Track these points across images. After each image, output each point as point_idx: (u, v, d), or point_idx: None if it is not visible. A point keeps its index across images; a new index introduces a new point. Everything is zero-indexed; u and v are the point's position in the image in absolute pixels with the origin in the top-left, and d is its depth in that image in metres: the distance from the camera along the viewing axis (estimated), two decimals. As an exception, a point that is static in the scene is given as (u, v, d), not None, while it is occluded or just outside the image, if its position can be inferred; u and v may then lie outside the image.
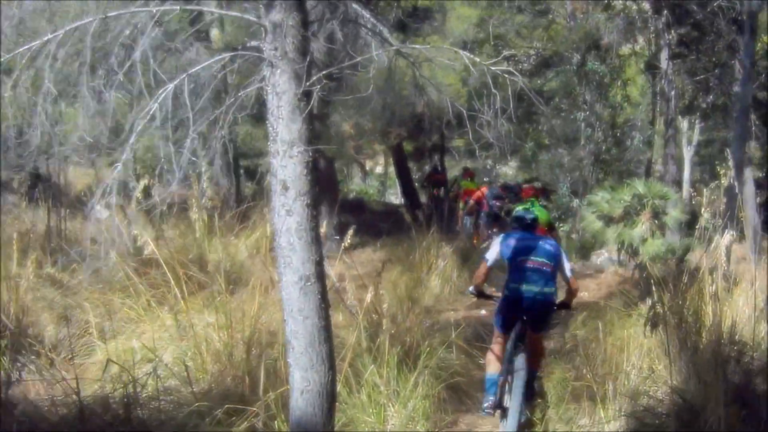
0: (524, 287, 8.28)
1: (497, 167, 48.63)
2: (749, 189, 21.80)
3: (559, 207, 20.65)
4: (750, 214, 21.53)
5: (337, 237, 16.99)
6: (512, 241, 8.65)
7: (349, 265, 12.80)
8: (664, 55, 21.11)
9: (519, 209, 9.72)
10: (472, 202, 21.77)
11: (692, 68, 21.62)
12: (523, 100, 28.54)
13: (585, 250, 19.18)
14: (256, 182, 31.94)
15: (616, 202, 17.75)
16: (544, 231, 14.16)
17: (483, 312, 13.93)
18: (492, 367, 8.46)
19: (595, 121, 22.67)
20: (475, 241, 19.46)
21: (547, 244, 8.66)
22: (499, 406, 8.15)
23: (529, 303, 8.27)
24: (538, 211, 12.18)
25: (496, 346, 8.64)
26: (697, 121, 25.76)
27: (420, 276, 15.14)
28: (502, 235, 9.26)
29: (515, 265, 8.44)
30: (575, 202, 22.86)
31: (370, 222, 22.80)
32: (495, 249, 8.77)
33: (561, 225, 22.08)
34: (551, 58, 27.42)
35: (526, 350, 8.31)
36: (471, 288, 9.20)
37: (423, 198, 32.40)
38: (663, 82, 21.12)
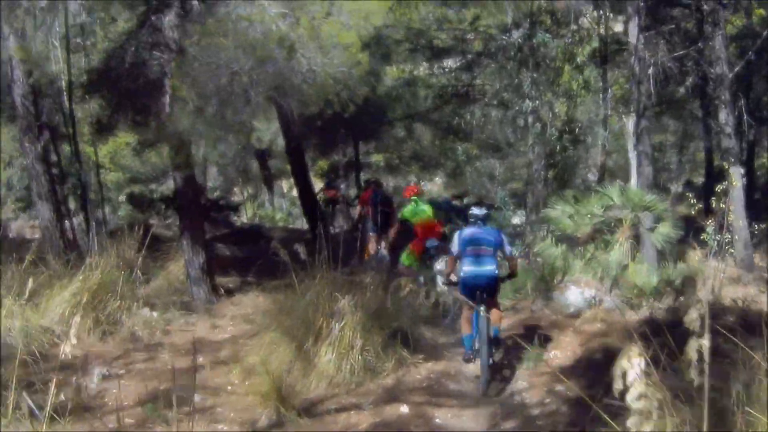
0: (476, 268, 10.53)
1: (422, 183, 44.00)
2: (738, 193, 17.11)
3: (501, 226, 15.41)
4: (739, 225, 17.02)
5: (205, 282, 14.51)
6: (464, 234, 10.79)
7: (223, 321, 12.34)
8: (632, 25, 16.05)
9: (473, 209, 11.36)
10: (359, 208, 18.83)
11: (668, 43, 16.57)
12: (448, 100, 21.76)
13: (544, 283, 13.94)
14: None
15: (582, 217, 13.94)
16: (434, 226, 14.89)
17: (404, 408, 9.23)
18: (465, 328, 10.65)
19: (547, 114, 17.12)
20: (366, 256, 16.01)
21: (489, 234, 10.82)
22: (475, 355, 10.49)
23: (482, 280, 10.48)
24: (425, 207, 14.97)
25: (463, 312, 10.76)
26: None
27: (305, 347, 9.94)
28: (458, 231, 11.10)
29: (466, 252, 10.64)
30: (521, 218, 17.55)
31: (265, 255, 17.33)
32: (456, 241, 10.85)
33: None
34: (486, 36, 22.09)
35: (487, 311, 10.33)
36: (442, 279, 12.28)
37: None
38: (632, 60, 15.96)
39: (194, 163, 14.47)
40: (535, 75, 16.70)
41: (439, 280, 13.45)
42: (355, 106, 14.79)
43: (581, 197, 14.37)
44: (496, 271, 10.62)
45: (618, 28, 22.45)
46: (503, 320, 11.47)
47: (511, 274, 11.38)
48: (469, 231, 10.79)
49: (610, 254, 13.23)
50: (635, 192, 13.80)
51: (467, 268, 10.51)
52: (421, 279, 14.29)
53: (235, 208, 32.37)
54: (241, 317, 13.02)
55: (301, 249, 11.24)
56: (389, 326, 10.68)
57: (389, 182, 41.78)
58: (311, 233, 20.09)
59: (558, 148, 16.88)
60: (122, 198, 32.35)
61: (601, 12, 20.00)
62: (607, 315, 12.20)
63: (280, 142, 29.73)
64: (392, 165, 37.61)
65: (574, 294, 13.76)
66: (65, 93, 18.20)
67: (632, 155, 19.18)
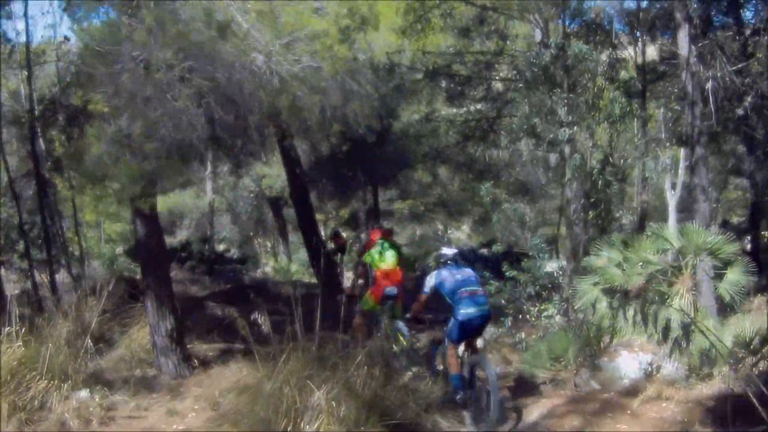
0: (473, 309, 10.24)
1: (448, 231, 43.57)
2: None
3: (535, 279, 12.77)
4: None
5: (174, 351, 12.01)
6: (445, 276, 10.50)
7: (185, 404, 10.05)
8: (682, 35, 13.42)
9: (443, 249, 11.26)
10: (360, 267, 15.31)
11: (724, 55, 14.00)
12: (472, 135, 18.68)
13: (589, 348, 11.26)
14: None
15: (633, 265, 11.39)
16: (396, 273, 13.22)
17: None
18: (454, 366, 10.27)
19: (586, 143, 14.27)
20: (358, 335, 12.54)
21: (470, 274, 10.66)
22: (471, 396, 10.21)
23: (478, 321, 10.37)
24: (391, 252, 13.35)
25: (453, 352, 10.40)
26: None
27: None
28: (435, 272, 10.65)
29: (458, 294, 10.30)
30: (559, 266, 14.84)
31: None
32: (430, 282, 10.46)
33: (542, 306, 13.86)
34: (512, 58, 19.58)
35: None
36: (408, 315, 11.35)
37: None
38: (684, 76, 13.30)
39: (155, 205, 11.68)
40: (571, 96, 13.87)
41: (402, 327, 12.37)
42: (365, 142, 12.30)
43: (631, 241, 11.69)
44: (490, 312, 10.68)
45: (652, 52, 20.18)
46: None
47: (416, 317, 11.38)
48: (449, 273, 10.58)
49: (669, 309, 10.68)
50: (698, 232, 11.10)
51: (467, 310, 10.23)
52: (382, 322, 12.66)
53: (243, 261, 29.78)
54: (210, 399, 10.34)
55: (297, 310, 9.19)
56: (390, 417, 8.23)
57: (415, 231, 41.65)
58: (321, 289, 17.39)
59: (600, 183, 13.97)
60: (120, 250, 29.86)
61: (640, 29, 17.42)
62: (671, 389, 9.57)
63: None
64: (416, 213, 35.79)
65: (627, 361, 11.15)
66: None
67: (670, 193, 16.61)
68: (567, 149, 14.13)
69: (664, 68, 19.58)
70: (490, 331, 13.48)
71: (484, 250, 22.19)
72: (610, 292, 11.57)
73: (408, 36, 18.40)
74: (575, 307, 12.64)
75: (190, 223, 36.86)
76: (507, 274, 14.08)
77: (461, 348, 10.58)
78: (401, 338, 12.17)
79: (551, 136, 13.94)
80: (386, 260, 13.22)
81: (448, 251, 11.05)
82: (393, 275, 13.16)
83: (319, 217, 32.05)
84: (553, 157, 16.35)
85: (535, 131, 14.34)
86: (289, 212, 35.61)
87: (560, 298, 13.73)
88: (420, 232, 41.87)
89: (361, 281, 14.43)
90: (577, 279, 12.52)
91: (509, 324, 13.98)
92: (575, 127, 13.86)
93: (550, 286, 14.02)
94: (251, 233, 38.19)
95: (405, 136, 25.26)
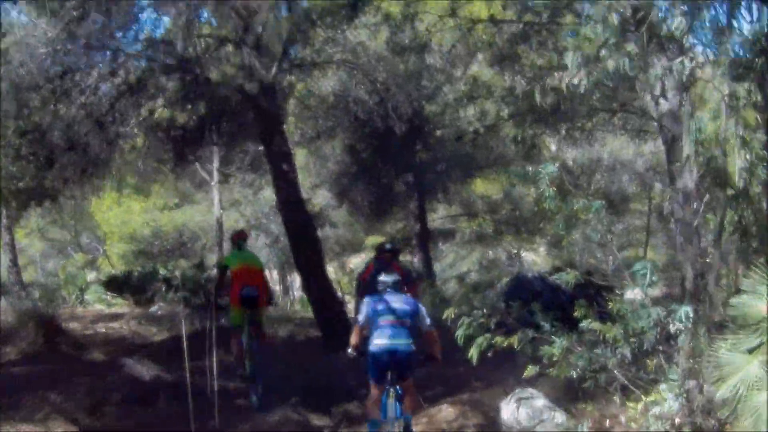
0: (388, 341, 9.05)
1: (521, 253, 38.90)
2: None
3: (639, 332, 6.78)
4: None
5: None
6: (375, 302, 9.37)
7: None
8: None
9: (382, 275, 9.79)
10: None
11: None
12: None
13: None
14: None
15: None
16: (255, 272, 12.24)
17: None
18: (373, 411, 9.13)
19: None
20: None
21: (404, 304, 9.32)
22: None
23: (394, 355, 9.05)
24: (249, 253, 12.73)
25: (374, 393, 9.18)
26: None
27: None
28: (367, 298, 9.65)
29: (377, 323, 9.21)
30: (679, 313, 8.40)
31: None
32: (363, 312, 9.40)
33: (649, 393, 7.75)
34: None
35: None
36: (350, 350, 9.55)
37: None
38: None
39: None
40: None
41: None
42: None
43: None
44: (412, 346, 9.21)
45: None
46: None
47: (430, 355, 9.49)
48: (379, 299, 9.37)
49: None
50: None
51: (378, 341, 9.06)
52: (243, 340, 11.67)
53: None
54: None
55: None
56: None
57: (484, 254, 37.41)
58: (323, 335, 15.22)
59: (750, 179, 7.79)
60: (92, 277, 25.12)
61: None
62: None
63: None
64: (481, 234, 32.16)
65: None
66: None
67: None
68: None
69: None
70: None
71: (558, 277, 16.35)
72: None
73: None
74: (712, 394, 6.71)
75: (204, 244, 31.66)
76: (583, 324, 8.26)
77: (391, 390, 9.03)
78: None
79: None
80: (244, 260, 12.19)
81: (387, 278, 9.58)
82: (251, 275, 12.02)
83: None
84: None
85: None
86: (329, 233, 30.64)
87: (680, 372, 7.60)
88: (492, 255, 37.43)
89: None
90: (709, 338, 6.69)
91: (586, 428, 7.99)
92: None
93: (659, 348, 7.91)
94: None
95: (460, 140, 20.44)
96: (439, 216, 30.16)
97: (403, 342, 9.05)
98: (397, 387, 9.03)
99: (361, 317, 9.45)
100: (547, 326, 8.54)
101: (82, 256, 38.21)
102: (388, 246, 13.43)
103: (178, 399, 10.09)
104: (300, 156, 23.54)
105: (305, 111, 19.35)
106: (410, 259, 24.68)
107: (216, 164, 26.42)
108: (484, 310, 8.60)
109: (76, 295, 20.85)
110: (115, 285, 21.67)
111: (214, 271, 19.84)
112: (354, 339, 9.45)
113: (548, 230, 28.68)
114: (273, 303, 14.57)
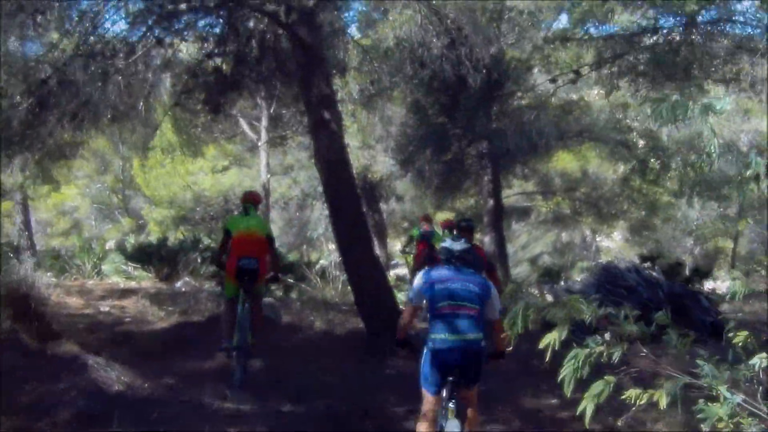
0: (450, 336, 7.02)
1: (597, 239, 40.04)
2: None
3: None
4: None
5: None
6: (433, 281, 7.21)
7: None
8: None
9: (447, 240, 7.62)
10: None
11: None
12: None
13: None
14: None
15: None
16: (257, 239, 10.82)
17: None
18: (423, 427, 6.98)
19: None
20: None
21: (471, 284, 7.16)
22: None
23: (456, 354, 7.02)
24: (255, 218, 11.15)
25: (427, 403, 7.07)
26: None
27: None
28: (425, 269, 7.57)
29: (436, 310, 7.15)
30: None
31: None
32: (417, 288, 7.31)
33: None
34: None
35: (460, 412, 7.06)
36: (397, 338, 7.71)
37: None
38: None
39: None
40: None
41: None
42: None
43: None
44: (482, 343, 7.05)
45: None
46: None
47: (498, 352, 7.46)
48: (441, 274, 7.17)
49: None
50: None
51: (438, 335, 6.95)
52: (237, 310, 10.26)
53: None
54: None
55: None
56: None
57: (558, 237, 37.42)
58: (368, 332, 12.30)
59: None
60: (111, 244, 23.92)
61: None
62: None
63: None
64: (559, 215, 30.52)
65: None
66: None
67: None
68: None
69: None
70: None
71: (651, 270, 15.35)
72: None
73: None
74: None
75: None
76: (755, 360, 5.15)
77: (451, 405, 6.83)
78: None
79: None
80: (246, 224, 10.92)
81: (456, 245, 7.28)
82: (252, 241, 10.75)
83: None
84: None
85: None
86: (393, 207, 28.31)
87: None
88: (565, 238, 37.65)
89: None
90: None
91: None
92: None
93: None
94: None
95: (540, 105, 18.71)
96: (513, 192, 28.45)
97: (471, 336, 6.95)
98: (457, 399, 7.00)
99: (412, 294, 7.45)
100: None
101: (130, 220, 36.44)
102: (462, 222, 11.45)
103: (141, 421, 7.68)
104: (360, 117, 21.64)
105: (360, 58, 16.42)
106: (480, 238, 22.17)
107: (264, 123, 24.15)
108: (605, 336, 5.04)
109: (92, 265, 18.44)
110: (141, 255, 19.20)
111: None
112: (402, 323, 7.52)
113: (632, 213, 27.78)
114: (279, 279, 12.57)
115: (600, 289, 13.91)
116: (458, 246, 7.28)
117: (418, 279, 7.30)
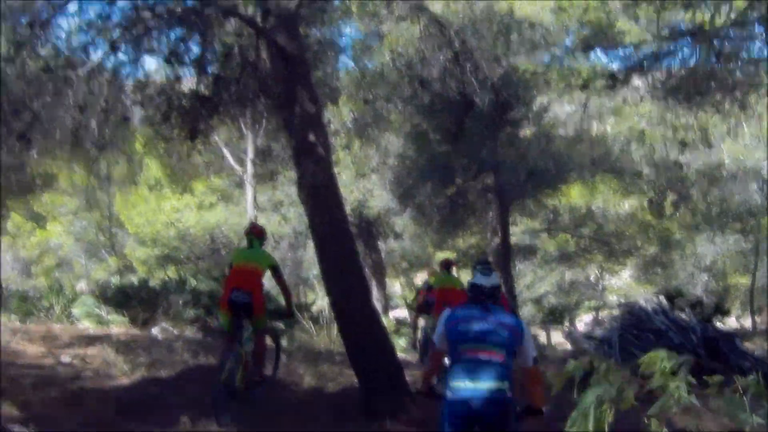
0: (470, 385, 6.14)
1: (602, 279, 38.46)
2: None
3: None
4: None
5: None
6: (457, 320, 6.36)
7: None
8: None
9: (477, 276, 6.70)
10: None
11: None
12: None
13: None
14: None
15: None
16: (253, 272, 10.36)
17: None
18: None
19: None
20: None
21: (501, 326, 6.24)
22: None
23: (477, 405, 6.09)
24: (259, 251, 10.76)
25: None
26: None
27: None
28: (447, 312, 6.60)
29: (457, 354, 6.30)
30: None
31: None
32: (440, 330, 6.46)
33: None
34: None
35: None
36: (421, 387, 7.01)
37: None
38: None
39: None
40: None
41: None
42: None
43: None
44: (509, 393, 6.10)
45: None
46: None
47: (533, 408, 6.28)
48: (466, 314, 6.28)
49: None
50: None
51: (457, 383, 6.05)
52: (237, 351, 9.68)
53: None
54: None
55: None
56: None
57: (562, 276, 36.33)
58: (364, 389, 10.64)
59: None
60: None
61: None
62: None
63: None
64: (565, 252, 29.83)
65: None
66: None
67: None
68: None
69: None
70: None
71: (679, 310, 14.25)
72: None
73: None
74: None
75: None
76: None
77: None
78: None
79: None
80: (247, 258, 10.43)
81: (484, 280, 6.37)
82: (245, 276, 10.16)
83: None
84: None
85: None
86: (392, 245, 28.05)
87: None
88: (570, 277, 36.29)
89: None
90: None
91: None
92: None
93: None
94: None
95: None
96: (519, 230, 27.09)
97: (493, 385, 6.04)
98: None
99: (436, 338, 6.57)
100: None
101: (116, 259, 35.11)
102: (478, 266, 8.91)
103: None
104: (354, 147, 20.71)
105: (352, 76, 14.90)
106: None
107: (250, 155, 22.81)
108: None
109: (61, 308, 17.03)
110: (121, 297, 17.77)
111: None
112: (425, 372, 6.98)
113: (646, 249, 27.39)
114: (292, 315, 12.09)
115: (624, 334, 13.00)
116: (488, 281, 6.39)
117: (441, 319, 6.44)
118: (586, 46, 13.66)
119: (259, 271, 10.35)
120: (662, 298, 14.61)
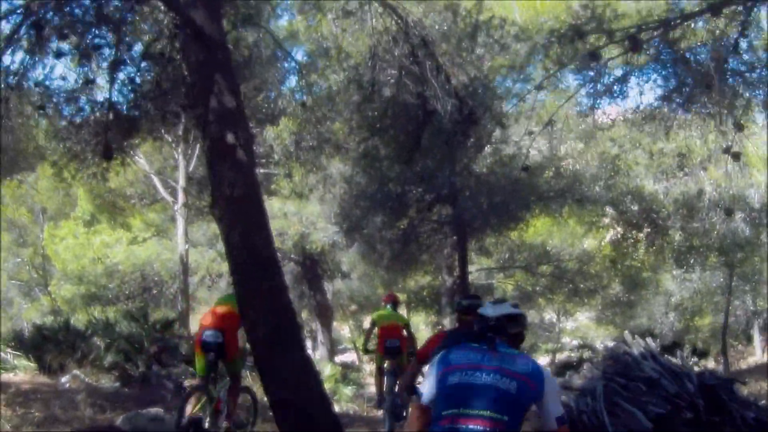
0: None
1: (560, 321, 38.46)
2: None
3: None
4: None
5: None
6: (448, 368, 4.93)
7: None
8: None
9: (487, 306, 5.44)
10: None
11: None
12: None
13: None
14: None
15: None
16: (227, 314, 9.85)
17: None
18: None
19: None
20: None
21: (507, 375, 4.74)
22: None
23: None
24: (229, 296, 10.13)
25: None
26: None
27: None
28: (440, 353, 5.16)
29: (436, 415, 4.86)
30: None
31: None
32: (430, 378, 5.02)
33: None
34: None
35: None
36: None
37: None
38: None
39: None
40: None
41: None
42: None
43: None
44: None
45: None
46: None
47: None
48: (458, 360, 4.91)
49: None
50: None
51: None
52: (215, 394, 9.49)
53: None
54: None
55: None
56: None
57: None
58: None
59: None
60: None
61: None
62: None
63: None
64: (525, 291, 28.60)
65: None
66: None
67: None
68: None
69: None
70: None
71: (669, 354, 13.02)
72: None
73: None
74: None
75: (179, 290, 25.80)
76: None
77: None
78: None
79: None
80: (223, 302, 10.11)
81: (490, 310, 5.21)
82: (218, 313, 9.85)
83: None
84: None
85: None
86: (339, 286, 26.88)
87: None
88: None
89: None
90: None
91: None
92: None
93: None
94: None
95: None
96: (475, 268, 25.52)
97: None
98: None
99: (425, 391, 4.95)
100: None
101: (48, 299, 33.15)
102: (464, 303, 8.19)
103: None
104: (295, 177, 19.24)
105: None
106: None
107: (181, 182, 21.02)
108: None
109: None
110: (38, 340, 16.03)
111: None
112: (411, 425, 5.11)
113: (612, 288, 26.64)
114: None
115: (609, 384, 11.14)
116: (495, 311, 5.17)
117: (433, 363, 5.11)
118: (579, 32, 11.99)
119: (234, 313, 9.50)
120: (649, 340, 13.08)
